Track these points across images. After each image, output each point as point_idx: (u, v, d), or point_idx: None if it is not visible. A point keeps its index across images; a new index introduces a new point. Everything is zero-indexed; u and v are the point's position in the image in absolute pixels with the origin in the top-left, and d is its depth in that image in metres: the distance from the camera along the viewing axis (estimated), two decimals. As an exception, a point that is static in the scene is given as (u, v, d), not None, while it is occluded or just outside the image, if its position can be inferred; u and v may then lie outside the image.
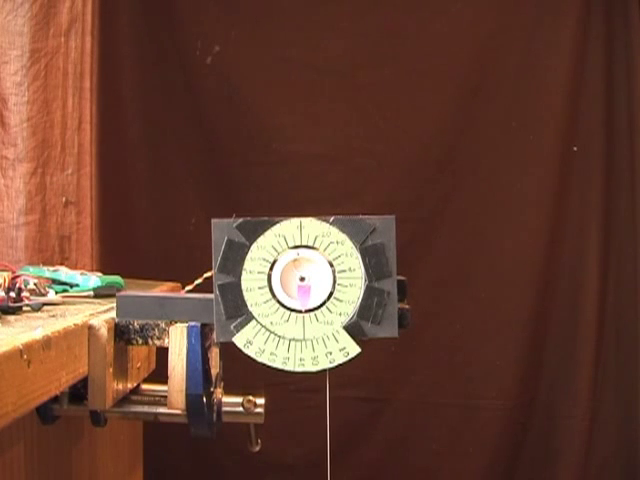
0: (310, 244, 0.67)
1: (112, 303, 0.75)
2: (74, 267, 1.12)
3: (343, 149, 1.70)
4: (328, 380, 0.68)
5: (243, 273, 0.66)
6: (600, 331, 1.70)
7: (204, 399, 0.71)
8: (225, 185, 1.68)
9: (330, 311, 0.66)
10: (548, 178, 1.70)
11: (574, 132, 1.70)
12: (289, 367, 0.66)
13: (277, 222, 0.66)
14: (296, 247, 0.67)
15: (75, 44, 1.25)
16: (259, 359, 0.66)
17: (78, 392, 0.72)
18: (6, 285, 0.77)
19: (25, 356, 0.54)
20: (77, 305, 0.80)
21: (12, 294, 0.74)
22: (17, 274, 0.82)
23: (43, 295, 0.81)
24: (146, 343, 0.72)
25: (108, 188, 1.43)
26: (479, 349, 1.71)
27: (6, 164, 1.22)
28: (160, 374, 0.78)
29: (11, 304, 0.73)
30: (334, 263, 0.67)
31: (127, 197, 1.60)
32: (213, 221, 0.66)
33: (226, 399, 0.78)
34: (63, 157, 1.25)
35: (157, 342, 0.72)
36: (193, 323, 0.69)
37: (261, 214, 0.67)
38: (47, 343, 0.59)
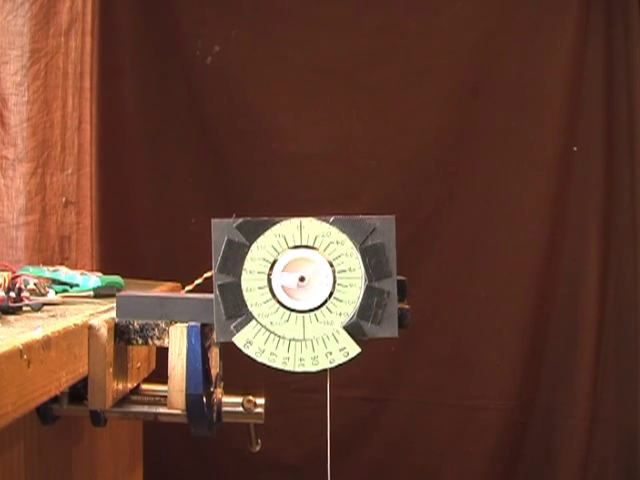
0: (310, 244, 0.67)
1: (112, 303, 0.75)
2: (74, 267, 1.12)
3: (343, 149, 1.70)
4: (329, 380, 0.68)
5: (243, 273, 0.66)
6: (600, 331, 1.70)
7: (204, 399, 0.71)
8: (225, 185, 1.68)
9: (330, 311, 0.66)
10: (548, 178, 1.70)
11: (574, 132, 1.70)
12: (289, 367, 0.66)
13: (277, 222, 0.66)
14: (296, 247, 0.67)
15: (75, 44, 1.25)
16: (259, 359, 0.66)
17: (78, 392, 0.72)
18: (6, 285, 0.77)
19: (25, 356, 0.54)
20: (77, 305, 0.80)
21: (12, 294, 0.74)
22: (17, 274, 0.82)
23: (43, 295, 0.81)
24: (146, 343, 0.72)
25: (108, 188, 1.43)
26: (479, 349, 1.71)
27: (6, 164, 1.22)
28: (160, 374, 0.78)
29: (11, 304, 0.73)
30: (334, 263, 0.67)
31: (127, 197, 1.60)
32: (213, 221, 0.66)
33: (226, 399, 0.78)
34: (63, 157, 1.25)
35: (157, 342, 0.72)
36: (193, 323, 0.69)
37: (261, 214, 0.67)
38: (47, 343, 0.59)
